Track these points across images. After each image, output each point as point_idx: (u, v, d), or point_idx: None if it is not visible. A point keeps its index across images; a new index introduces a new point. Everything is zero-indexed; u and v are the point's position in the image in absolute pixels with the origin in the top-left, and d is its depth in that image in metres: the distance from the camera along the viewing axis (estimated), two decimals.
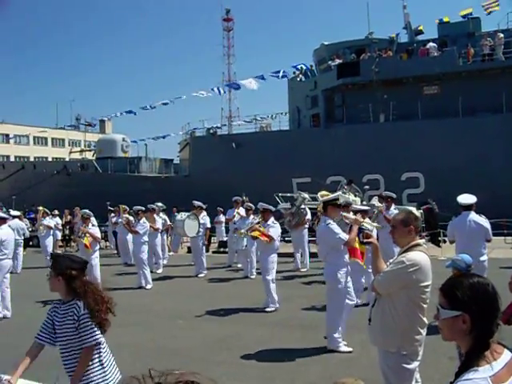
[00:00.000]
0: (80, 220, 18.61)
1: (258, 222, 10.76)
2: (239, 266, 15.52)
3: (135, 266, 14.36)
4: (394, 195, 13.24)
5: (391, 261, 4.40)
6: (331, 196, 8.55)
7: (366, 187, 19.16)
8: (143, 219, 14.03)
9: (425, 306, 4.26)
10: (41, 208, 20.24)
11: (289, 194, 21.11)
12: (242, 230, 12.14)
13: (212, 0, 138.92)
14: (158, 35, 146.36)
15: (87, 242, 11.97)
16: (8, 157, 63.39)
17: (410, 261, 4.17)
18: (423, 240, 4.43)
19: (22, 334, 9.08)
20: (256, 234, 10.47)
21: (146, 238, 13.81)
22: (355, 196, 19.74)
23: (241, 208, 15.73)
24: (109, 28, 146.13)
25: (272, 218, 10.75)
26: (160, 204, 18.06)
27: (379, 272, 4.35)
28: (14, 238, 11.63)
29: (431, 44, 27.88)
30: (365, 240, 4.55)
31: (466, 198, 8.76)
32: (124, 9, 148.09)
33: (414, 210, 16.80)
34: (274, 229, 10.48)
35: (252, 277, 14.16)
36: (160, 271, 15.87)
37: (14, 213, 19.80)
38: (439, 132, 25.73)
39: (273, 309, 10.05)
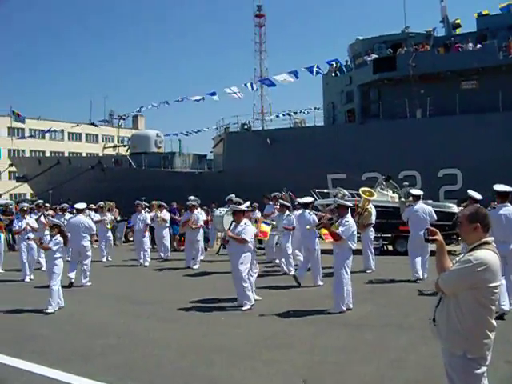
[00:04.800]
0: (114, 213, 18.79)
1: (331, 219, 10.46)
2: (277, 261, 15.39)
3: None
4: (419, 192, 13.53)
5: (457, 259, 4.23)
6: None
7: (405, 183, 18.91)
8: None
9: (493, 307, 4.06)
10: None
11: (325, 191, 21.02)
12: (308, 226, 12.15)
13: None
14: (190, 30, 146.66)
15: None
16: (44, 152, 64.40)
17: (477, 260, 3.98)
18: (492, 238, 4.22)
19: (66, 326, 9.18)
20: (323, 232, 10.21)
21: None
22: (393, 192, 19.55)
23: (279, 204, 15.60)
24: (140, 23, 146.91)
25: (348, 215, 10.08)
26: (193, 197, 18.09)
27: (444, 270, 4.18)
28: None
29: (470, 44, 27.34)
30: (430, 237, 4.35)
31: (503, 187, 9.39)
32: (154, 1, 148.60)
33: (454, 206, 16.56)
34: (345, 227, 9.75)
35: (291, 273, 14.02)
36: (197, 267, 15.88)
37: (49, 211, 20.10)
38: (478, 127, 25.25)
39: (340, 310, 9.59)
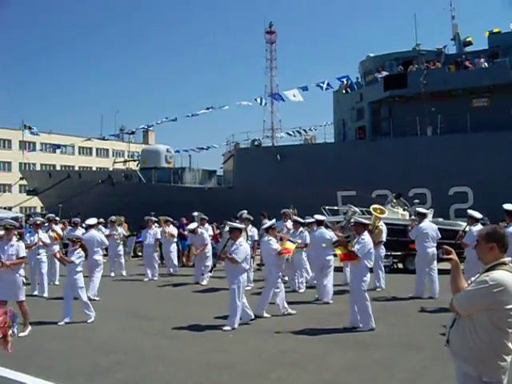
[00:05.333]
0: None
1: (348, 236, 10.33)
2: (286, 278, 15.25)
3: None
4: (426, 210, 14.18)
5: (473, 279, 4.13)
6: None
7: (416, 201, 18.79)
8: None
9: (510, 330, 3.95)
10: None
11: (336, 208, 20.89)
12: (324, 244, 12.15)
13: (256, 12, 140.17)
14: (201, 46, 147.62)
15: None
16: (54, 166, 64.72)
17: (493, 281, 3.88)
18: (509, 258, 4.12)
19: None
20: (339, 251, 10.12)
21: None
22: (404, 210, 19.42)
23: (288, 221, 15.49)
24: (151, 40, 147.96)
25: (365, 233, 10.01)
26: (196, 213, 18.04)
27: (459, 290, 4.08)
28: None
29: (482, 60, 27.34)
30: (445, 256, 4.27)
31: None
32: (164, 15, 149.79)
33: (464, 224, 16.40)
34: (361, 245, 9.68)
35: (300, 291, 13.91)
36: (205, 283, 15.78)
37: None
38: (489, 145, 25.10)
39: (369, 327, 9.51)
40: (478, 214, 12.40)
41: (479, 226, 12.60)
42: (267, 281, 11.08)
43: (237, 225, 10.89)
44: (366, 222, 10.73)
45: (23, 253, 9.88)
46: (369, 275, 9.86)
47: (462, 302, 3.99)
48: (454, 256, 4.20)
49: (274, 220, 12.10)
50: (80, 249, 10.82)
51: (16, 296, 9.63)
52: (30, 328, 9.70)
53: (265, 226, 11.56)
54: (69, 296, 10.69)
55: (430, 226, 13.39)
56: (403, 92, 27.93)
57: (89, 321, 10.61)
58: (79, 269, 10.74)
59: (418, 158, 26.42)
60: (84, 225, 16.31)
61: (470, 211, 12.51)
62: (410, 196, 22.71)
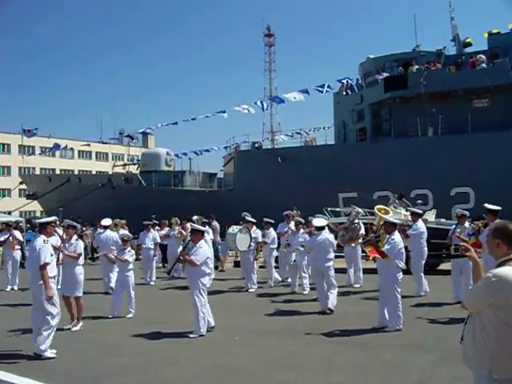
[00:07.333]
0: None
1: (378, 236, 10.13)
2: (289, 280, 15.18)
3: None
4: (420, 211, 14.86)
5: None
6: None
7: (419, 201, 18.72)
8: None
9: None
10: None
11: (338, 209, 20.85)
12: (353, 244, 12.32)
13: (254, 14, 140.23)
14: (200, 48, 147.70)
15: None
16: (54, 170, 64.70)
17: (496, 277, 3.81)
18: None
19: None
20: (369, 248, 10.00)
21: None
22: (406, 211, 19.32)
23: (292, 223, 15.40)
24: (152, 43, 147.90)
25: (395, 233, 9.88)
26: (196, 217, 17.89)
27: None
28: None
29: (481, 55, 27.36)
30: (464, 254, 4.26)
31: (493, 206, 10.21)
32: (163, 18, 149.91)
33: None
34: (391, 245, 9.54)
35: (304, 292, 13.81)
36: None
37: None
38: (490, 146, 25.07)
39: (397, 327, 9.32)
40: (418, 210, 14.42)
41: (421, 222, 13.88)
42: (327, 276, 11.34)
43: (198, 227, 10.53)
44: (396, 221, 10.61)
45: (79, 250, 10.48)
46: (401, 275, 9.69)
47: (468, 298, 4.01)
48: (472, 253, 4.18)
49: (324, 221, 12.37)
50: (130, 247, 11.86)
51: (73, 292, 10.29)
52: (81, 323, 10.32)
53: (320, 225, 11.88)
54: (119, 292, 11.63)
55: (424, 225, 13.94)
56: (404, 93, 27.93)
57: (128, 316, 11.41)
58: (131, 266, 11.66)
59: (419, 159, 26.39)
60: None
61: (410, 208, 15.23)
62: (412, 197, 22.65)
